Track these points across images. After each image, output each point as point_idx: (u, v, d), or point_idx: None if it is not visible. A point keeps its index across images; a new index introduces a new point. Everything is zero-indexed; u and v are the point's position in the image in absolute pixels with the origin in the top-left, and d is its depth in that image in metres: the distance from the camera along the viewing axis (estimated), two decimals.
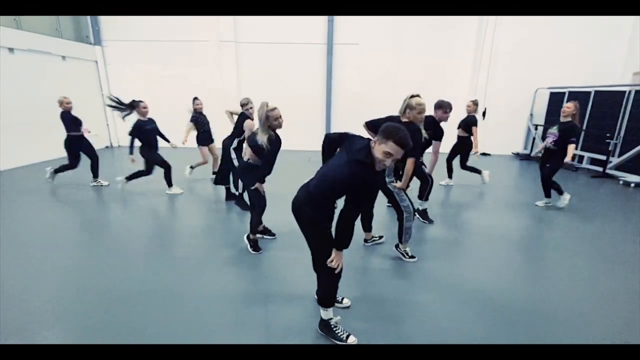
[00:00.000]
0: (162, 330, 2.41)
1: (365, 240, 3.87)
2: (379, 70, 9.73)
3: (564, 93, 9.03)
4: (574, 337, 2.42)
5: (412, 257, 3.50)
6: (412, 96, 3.17)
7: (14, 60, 7.35)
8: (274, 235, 4.01)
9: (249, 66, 9.78)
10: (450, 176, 6.53)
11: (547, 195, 5.34)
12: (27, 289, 2.88)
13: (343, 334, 2.32)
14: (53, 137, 8.22)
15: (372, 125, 3.40)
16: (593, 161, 8.11)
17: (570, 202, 5.31)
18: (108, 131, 10.25)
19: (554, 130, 4.97)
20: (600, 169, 7.65)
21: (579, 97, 8.57)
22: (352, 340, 2.30)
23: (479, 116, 6.01)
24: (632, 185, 6.68)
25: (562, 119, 4.85)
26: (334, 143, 2.36)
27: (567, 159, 4.75)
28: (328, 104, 10.04)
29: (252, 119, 4.75)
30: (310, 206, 2.18)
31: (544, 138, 9.48)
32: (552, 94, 9.49)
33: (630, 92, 7.37)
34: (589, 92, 8.30)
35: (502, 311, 2.70)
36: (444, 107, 4.11)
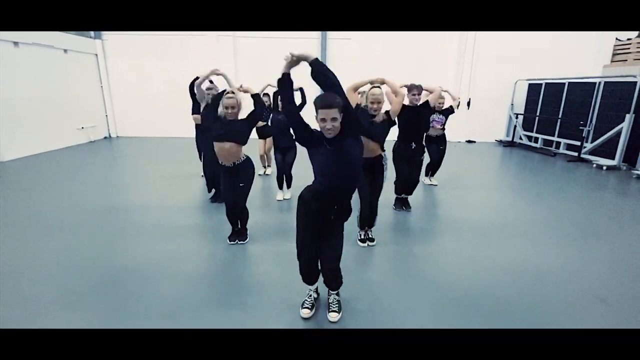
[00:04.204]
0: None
1: (363, 240, 3.63)
2: (370, 63, 10.18)
3: (541, 84, 9.79)
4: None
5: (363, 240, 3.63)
6: (372, 87, 3.26)
7: (19, 53, 7.48)
8: None
9: (246, 60, 10.09)
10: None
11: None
12: (28, 275, 2.96)
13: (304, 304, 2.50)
14: (56, 128, 8.45)
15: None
16: (569, 147, 8.84)
17: (551, 183, 6.05)
18: (107, 122, 10.40)
19: (440, 117, 5.35)
20: (575, 153, 8.36)
21: (554, 87, 9.34)
22: (302, 312, 2.44)
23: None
24: (604, 168, 7.35)
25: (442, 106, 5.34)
26: None
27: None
28: None
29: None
30: None
31: (524, 127, 10.26)
32: (530, 85, 10.28)
33: (600, 83, 8.11)
34: (564, 84, 9.05)
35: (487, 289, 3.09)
36: (411, 90, 4.19)
